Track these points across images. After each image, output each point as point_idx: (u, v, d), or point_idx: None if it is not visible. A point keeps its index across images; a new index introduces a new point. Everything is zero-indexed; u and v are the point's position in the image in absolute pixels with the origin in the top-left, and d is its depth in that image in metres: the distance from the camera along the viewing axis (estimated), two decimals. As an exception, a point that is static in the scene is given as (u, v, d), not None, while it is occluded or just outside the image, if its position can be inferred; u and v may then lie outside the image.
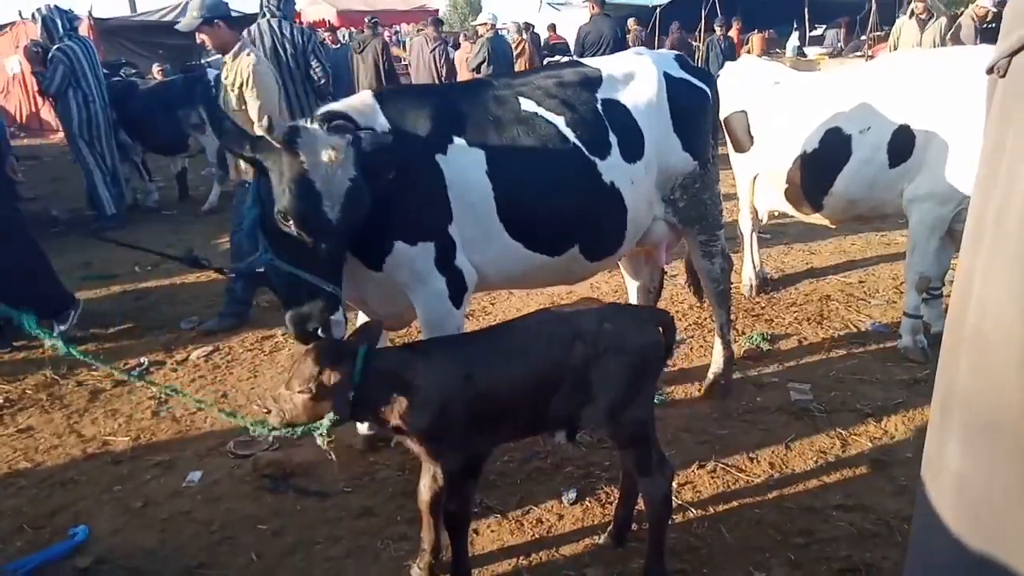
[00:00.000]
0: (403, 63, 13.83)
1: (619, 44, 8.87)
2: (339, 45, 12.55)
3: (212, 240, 6.91)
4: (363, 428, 3.35)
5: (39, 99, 14.48)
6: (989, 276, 1.34)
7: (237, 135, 2.45)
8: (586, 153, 2.92)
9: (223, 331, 4.76)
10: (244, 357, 4.41)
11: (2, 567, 2.53)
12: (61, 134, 10.35)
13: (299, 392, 2.13)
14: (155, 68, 11.57)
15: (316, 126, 2.41)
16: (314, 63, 5.77)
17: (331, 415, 2.14)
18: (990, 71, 1.40)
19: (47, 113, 14.56)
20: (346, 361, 2.14)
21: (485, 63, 9.48)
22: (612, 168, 2.97)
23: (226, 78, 4.48)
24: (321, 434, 2.16)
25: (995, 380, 1.34)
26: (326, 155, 2.31)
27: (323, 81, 5.82)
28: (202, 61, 10.98)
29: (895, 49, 9.61)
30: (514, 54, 10.27)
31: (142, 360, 4.42)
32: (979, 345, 1.37)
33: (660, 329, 2.38)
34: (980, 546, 1.40)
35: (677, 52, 3.64)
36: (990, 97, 1.43)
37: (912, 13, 9.71)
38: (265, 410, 2.24)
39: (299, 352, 2.31)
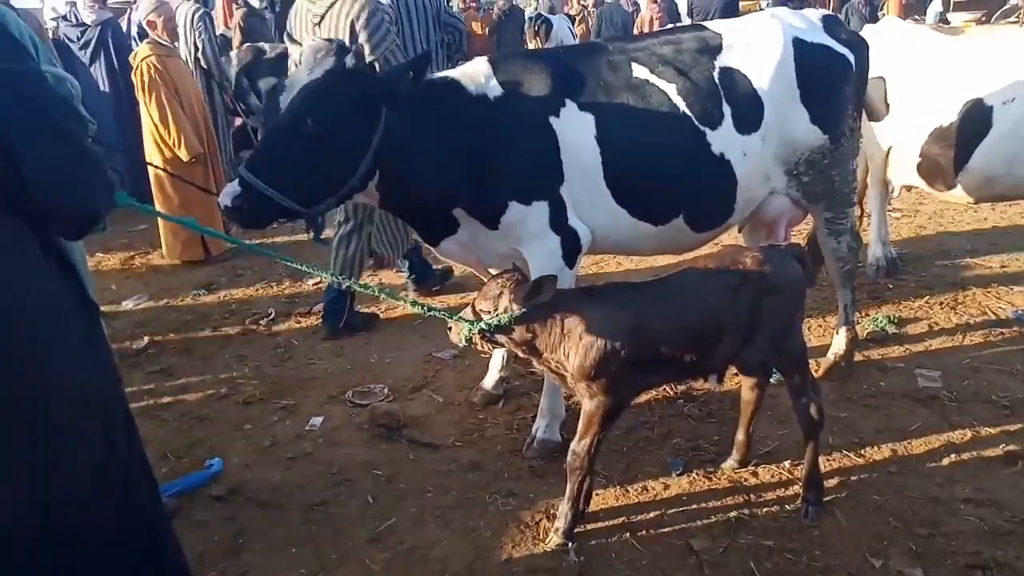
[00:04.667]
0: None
1: (730, 11, 8.20)
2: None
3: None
4: (489, 382, 3.45)
5: None
6: None
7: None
8: (695, 122, 2.87)
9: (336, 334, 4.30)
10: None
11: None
12: None
13: (481, 303, 2.33)
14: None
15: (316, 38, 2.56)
16: (451, 23, 5.86)
17: (495, 318, 2.28)
18: None
19: None
20: (528, 288, 2.28)
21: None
22: (722, 138, 2.90)
23: (322, 8, 3.75)
24: (472, 330, 2.31)
25: None
26: (303, 59, 2.45)
27: (459, 43, 5.89)
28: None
29: None
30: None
31: (270, 311, 4.71)
32: None
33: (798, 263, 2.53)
34: None
35: (828, 12, 3.41)
36: None
37: None
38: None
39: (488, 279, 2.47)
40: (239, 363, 4.06)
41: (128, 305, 4.99)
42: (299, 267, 2.46)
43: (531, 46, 14.22)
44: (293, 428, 3.38)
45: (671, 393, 3.38)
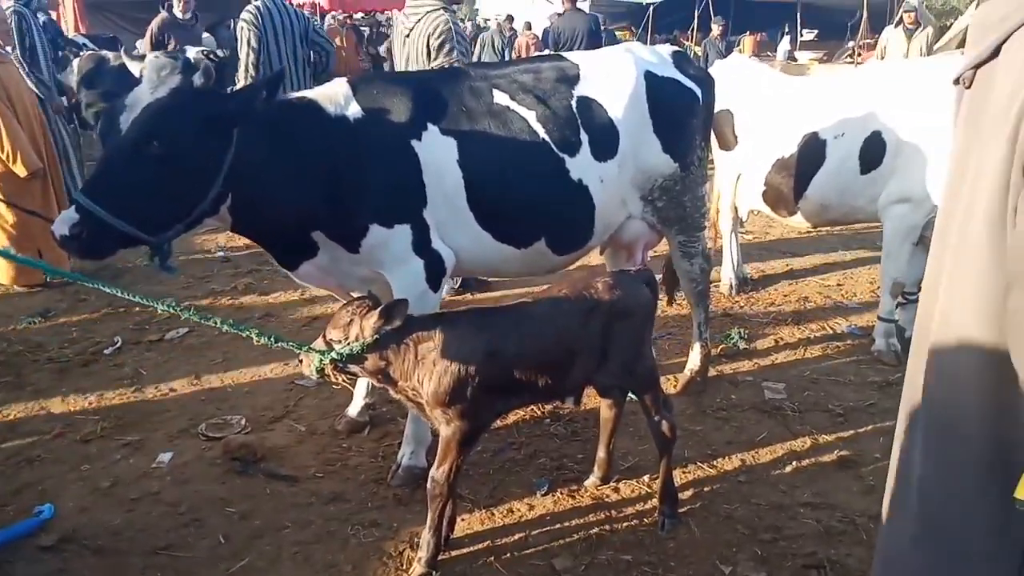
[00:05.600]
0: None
1: (594, 40, 8.28)
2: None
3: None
4: (354, 410, 3.34)
5: None
6: (952, 285, 1.36)
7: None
8: (554, 149, 2.94)
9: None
10: (219, 340, 4.37)
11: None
12: None
13: (332, 332, 2.28)
14: (139, 44, 11.36)
15: (158, 55, 2.46)
16: (318, 42, 5.79)
17: (346, 347, 2.23)
18: (956, 81, 1.42)
19: None
20: (379, 314, 2.23)
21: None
22: (581, 165, 2.99)
23: (412, 22, 4.45)
24: (323, 360, 2.25)
25: (954, 388, 1.36)
26: (145, 77, 2.36)
27: (326, 62, 5.84)
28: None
29: (882, 59, 9.64)
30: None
31: (116, 339, 4.37)
32: (941, 353, 1.39)
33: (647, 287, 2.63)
34: (937, 550, 1.42)
35: (677, 49, 3.61)
36: (956, 107, 1.45)
37: (900, 22, 9.72)
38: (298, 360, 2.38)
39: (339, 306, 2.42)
40: (78, 396, 3.73)
41: (-52, 335, 4.49)
42: (125, 296, 2.31)
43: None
44: (138, 466, 3.13)
45: (537, 412, 3.43)
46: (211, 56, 7.97)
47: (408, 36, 4.48)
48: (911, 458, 1.49)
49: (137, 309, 4.81)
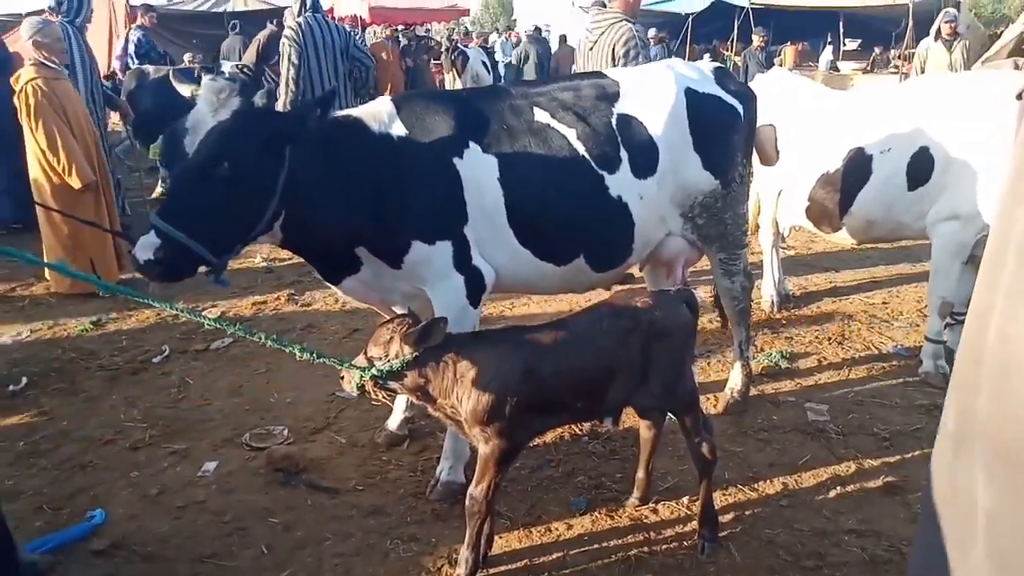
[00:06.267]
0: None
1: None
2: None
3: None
4: (394, 423, 3.38)
5: None
6: (1012, 305, 1.32)
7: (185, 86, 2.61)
8: (594, 167, 2.95)
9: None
10: (262, 351, 4.44)
11: (22, 545, 2.58)
12: None
13: (372, 349, 2.32)
14: (186, 58, 11.74)
15: (212, 77, 2.48)
16: (359, 57, 5.92)
17: (386, 364, 2.27)
18: (1019, 97, 1.39)
19: None
20: (418, 332, 2.26)
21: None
22: (620, 182, 2.99)
23: (596, 35, 4.84)
24: (364, 377, 2.29)
25: (1021, 413, 1.31)
26: (202, 99, 2.36)
27: (366, 77, 5.97)
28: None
29: (922, 72, 9.35)
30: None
31: (163, 347, 4.48)
32: (1002, 376, 1.35)
33: (687, 307, 2.61)
34: None
35: (719, 65, 3.60)
36: (1019, 122, 1.42)
37: (938, 35, 9.41)
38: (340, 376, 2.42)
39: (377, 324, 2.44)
40: (127, 404, 3.83)
41: (5, 341, 4.65)
42: (175, 310, 2.37)
43: (447, 77, 14.42)
44: (184, 474, 3.21)
45: (576, 430, 3.42)
46: (245, 70, 8.22)
47: (592, 49, 4.88)
48: (968, 489, 1.43)
49: (183, 319, 4.94)
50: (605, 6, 5.08)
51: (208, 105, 2.38)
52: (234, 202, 2.41)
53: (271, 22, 8.64)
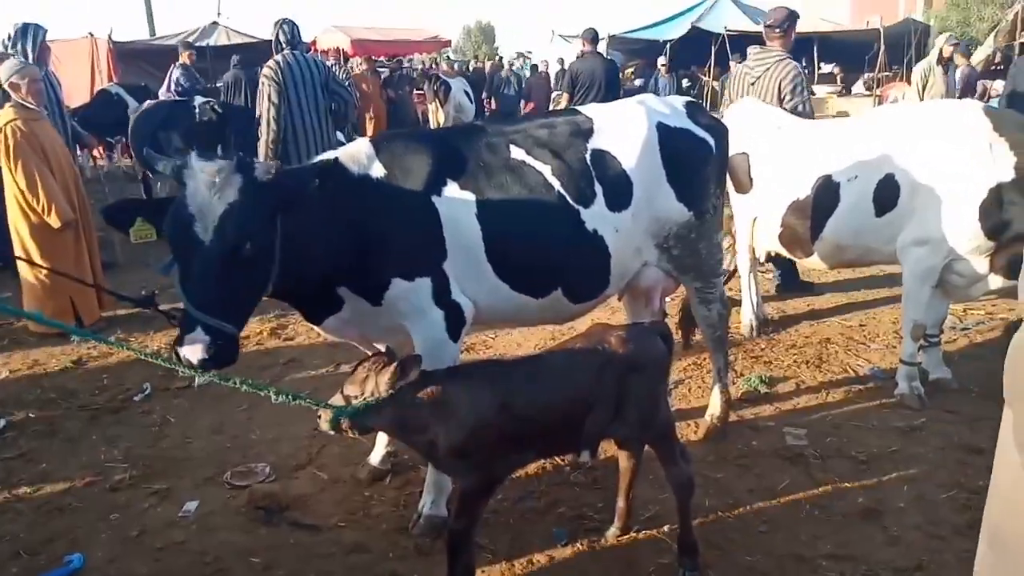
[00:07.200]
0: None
1: (613, 85, 8.36)
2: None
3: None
4: (376, 458, 3.39)
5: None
6: None
7: (163, 163, 2.51)
8: (570, 201, 3.01)
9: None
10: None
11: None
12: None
13: (349, 388, 2.33)
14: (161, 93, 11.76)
15: (198, 157, 2.40)
16: (338, 91, 6.00)
17: (362, 400, 2.28)
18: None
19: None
20: (393, 370, 2.28)
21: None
22: (595, 216, 3.05)
23: (759, 72, 5.29)
24: (340, 415, 2.30)
25: None
26: (194, 180, 2.33)
27: (345, 111, 6.05)
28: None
29: (921, 96, 8.95)
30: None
31: (145, 386, 4.46)
32: None
33: (661, 340, 2.65)
34: None
35: (690, 99, 3.70)
36: None
37: (940, 58, 9.03)
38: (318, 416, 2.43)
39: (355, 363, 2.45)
40: (108, 444, 3.81)
41: (-16, 382, 4.62)
42: (151, 360, 2.42)
43: (430, 108, 14.57)
44: (165, 515, 3.19)
45: (557, 461, 3.43)
46: (214, 108, 8.30)
47: (755, 84, 5.31)
48: None
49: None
50: (764, 44, 5.45)
51: (208, 188, 2.33)
52: (256, 277, 2.45)
53: (234, 65, 8.76)
